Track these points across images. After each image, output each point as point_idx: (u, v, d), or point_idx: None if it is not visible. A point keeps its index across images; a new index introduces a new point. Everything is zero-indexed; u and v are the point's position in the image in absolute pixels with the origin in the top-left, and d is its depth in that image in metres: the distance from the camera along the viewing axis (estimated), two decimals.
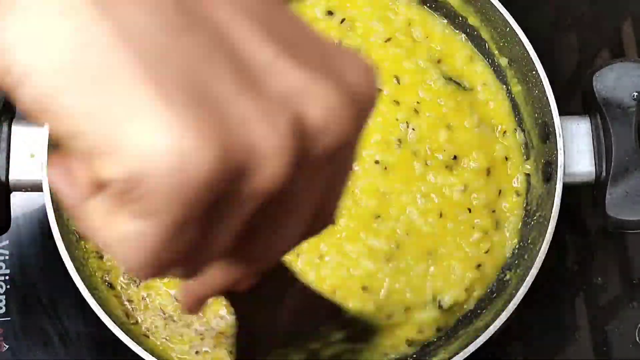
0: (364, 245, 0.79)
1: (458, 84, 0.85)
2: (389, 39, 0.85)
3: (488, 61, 0.87)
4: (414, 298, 0.79)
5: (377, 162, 0.81)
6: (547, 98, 0.79)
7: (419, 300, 0.79)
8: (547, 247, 0.76)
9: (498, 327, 0.73)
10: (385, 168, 0.81)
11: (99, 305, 0.73)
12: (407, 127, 0.82)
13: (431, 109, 0.83)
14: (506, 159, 0.83)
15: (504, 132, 0.84)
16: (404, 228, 0.80)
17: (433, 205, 0.80)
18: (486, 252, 0.81)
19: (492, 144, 0.83)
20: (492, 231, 0.81)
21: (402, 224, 0.80)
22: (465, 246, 0.80)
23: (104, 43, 0.28)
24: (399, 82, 0.83)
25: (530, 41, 0.80)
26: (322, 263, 0.78)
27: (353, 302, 0.78)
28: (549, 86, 0.79)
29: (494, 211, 0.82)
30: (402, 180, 0.81)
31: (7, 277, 0.87)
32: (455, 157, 0.82)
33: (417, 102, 0.83)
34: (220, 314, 0.78)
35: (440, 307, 0.79)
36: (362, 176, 0.80)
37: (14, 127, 0.79)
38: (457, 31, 0.87)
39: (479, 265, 0.80)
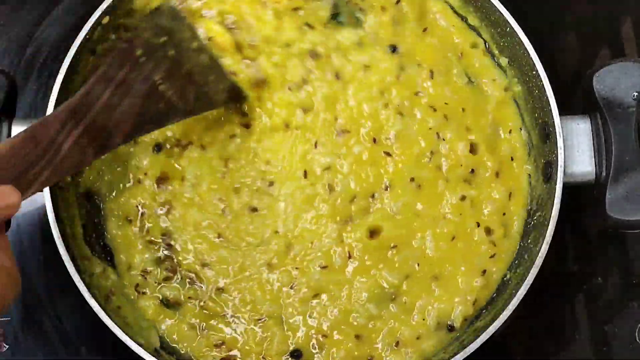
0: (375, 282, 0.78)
1: (473, 83, 0.85)
2: (425, 29, 0.85)
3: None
4: (410, 332, 0.79)
5: (412, 179, 0.80)
6: (547, 98, 0.79)
7: (418, 332, 0.79)
8: (547, 247, 0.76)
9: (498, 327, 0.73)
10: (419, 186, 0.80)
11: (99, 304, 0.73)
12: (439, 137, 0.82)
13: (455, 112, 0.82)
14: (512, 159, 0.83)
15: (510, 130, 0.84)
16: (416, 258, 0.79)
17: (449, 229, 0.80)
18: (491, 256, 0.81)
19: (500, 145, 0.83)
20: (501, 239, 0.81)
21: (416, 251, 0.79)
22: (472, 258, 0.80)
23: None
24: (432, 77, 0.83)
25: (530, 41, 0.80)
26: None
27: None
28: (549, 86, 0.79)
29: (504, 214, 0.82)
30: (430, 200, 0.80)
31: None
32: (472, 171, 0.82)
33: (445, 103, 0.82)
34: None
35: (451, 328, 0.79)
36: (400, 196, 0.80)
37: (13, 127, 0.79)
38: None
39: (484, 272, 0.80)
